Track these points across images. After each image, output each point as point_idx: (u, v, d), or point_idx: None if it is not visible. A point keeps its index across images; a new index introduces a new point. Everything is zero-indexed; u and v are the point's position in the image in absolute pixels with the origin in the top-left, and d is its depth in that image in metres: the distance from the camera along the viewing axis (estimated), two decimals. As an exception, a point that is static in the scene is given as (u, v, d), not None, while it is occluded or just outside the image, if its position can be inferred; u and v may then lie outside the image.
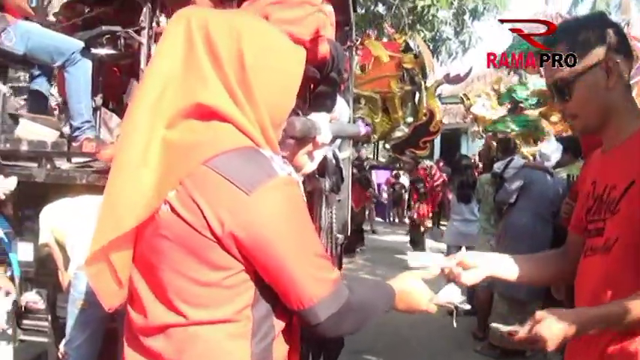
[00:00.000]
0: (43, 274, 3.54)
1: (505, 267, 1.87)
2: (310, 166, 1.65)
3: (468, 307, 1.73)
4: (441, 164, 14.90)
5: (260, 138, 1.28)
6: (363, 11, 16.93)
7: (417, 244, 11.17)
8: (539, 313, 1.42)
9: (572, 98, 1.60)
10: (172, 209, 1.20)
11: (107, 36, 3.79)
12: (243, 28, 1.30)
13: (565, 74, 1.59)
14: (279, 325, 1.31)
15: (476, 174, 8.18)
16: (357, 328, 1.38)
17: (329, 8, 3.91)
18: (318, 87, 3.41)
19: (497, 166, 6.17)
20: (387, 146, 12.20)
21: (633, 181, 1.49)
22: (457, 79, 11.88)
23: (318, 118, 1.60)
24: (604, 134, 1.66)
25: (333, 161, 4.08)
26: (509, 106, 10.91)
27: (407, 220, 14.45)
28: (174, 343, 1.23)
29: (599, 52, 1.56)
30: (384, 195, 18.01)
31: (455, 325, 1.71)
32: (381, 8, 17.06)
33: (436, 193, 11.77)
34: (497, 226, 6.02)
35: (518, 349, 5.37)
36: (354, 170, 12.17)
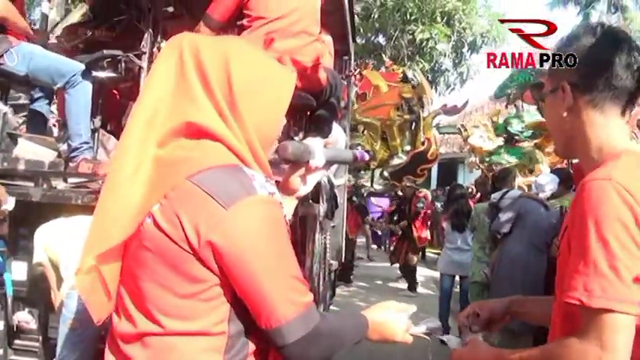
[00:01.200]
0: (36, 293, 3.53)
1: (521, 307, 1.86)
2: (304, 190, 1.67)
3: (445, 338, 1.72)
4: (439, 193, 14.96)
5: (249, 157, 1.32)
6: (364, 41, 17.15)
7: (408, 273, 11.12)
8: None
9: (545, 118, 1.58)
10: (155, 222, 1.23)
11: (108, 59, 3.84)
12: (232, 54, 1.35)
13: (538, 93, 1.57)
14: (255, 342, 1.32)
15: (471, 203, 8.23)
16: (326, 356, 1.36)
17: (328, 38, 4.00)
18: (317, 112, 3.46)
19: (494, 196, 6.21)
20: (386, 173, 12.26)
21: (567, 227, 1.44)
22: (454, 110, 12.00)
23: (312, 142, 1.63)
24: (580, 163, 1.56)
25: (328, 187, 4.12)
26: (504, 137, 11.00)
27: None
28: (151, 352, 1.26)
29: (560, 75, 1.51)
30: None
31: (430, 359, 1.71)
32: (381, 39, 17.28)
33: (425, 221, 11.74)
34: (492, 255, 6.04)
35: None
36: (354, 198, 12.30)
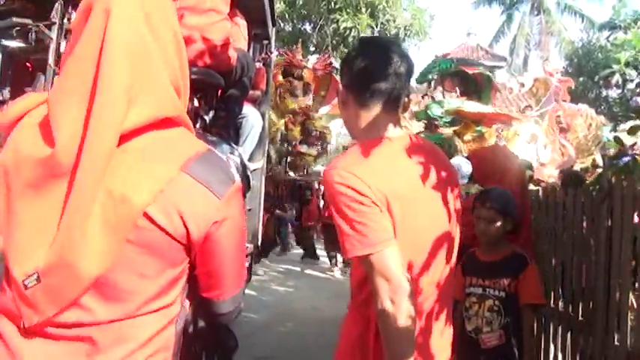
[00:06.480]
0: None
1: None
2: None
3: None
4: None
5: (192, 128, 1.36)
6: (291, 29, 17.20)
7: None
8: None
9: None
10: (147, 216, 1.16)
11: (18, 29, 3.76)
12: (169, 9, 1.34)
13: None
14: (186, 306, 1.38)
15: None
16: None
17: (243, 22, 4.06)
18: (228, 92, 3.52)
19: None
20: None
21: None
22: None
23: None
24: None
25: (240, 168, 4.18)
26: (425, 123, 11.33)
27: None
28: (110, 335, 1.19)
29: (341, 77, 1.91)
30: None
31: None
32: (308, 27, 17.34)
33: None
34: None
35: None
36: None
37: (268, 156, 11.15)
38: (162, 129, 1.25)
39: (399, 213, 1.67)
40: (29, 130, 1.22)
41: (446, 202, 1.83)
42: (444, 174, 1.84)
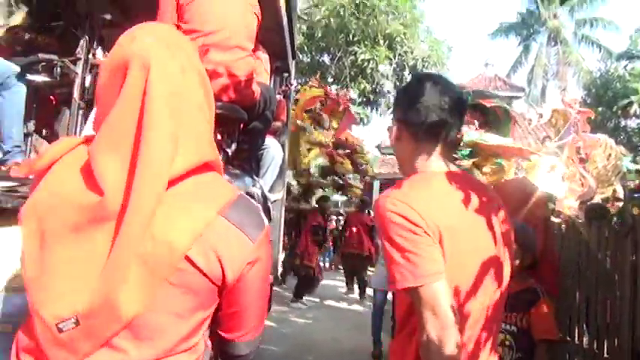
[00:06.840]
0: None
1: None
2: None
3: None
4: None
5: (222, 170, 1.40)
6: (309, 60, 17.37)
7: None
8: None
9: None
10: (187, 258, 1.20)
11: (44, 64, 3.84)
12: (194, 56, 1.39)
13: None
14: (209, 344, 1.41)
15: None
16: None
17: (265, 56, 4.12)
18: (251, 125, 3.55)
19: None
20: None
21: None
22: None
23: None
24: None
25: (261, 199, 4.19)
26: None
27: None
28: None
29: (394, 113, 1.96)
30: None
31: None
32: (326, 59, 17.53)
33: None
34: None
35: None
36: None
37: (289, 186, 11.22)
38: (200, 173, 1.29)
39: (449, 245, 1.66)
40: (65, 175, 1.26)
41: (494, 231, 1.81)
42: (491, 203, 1.85)
